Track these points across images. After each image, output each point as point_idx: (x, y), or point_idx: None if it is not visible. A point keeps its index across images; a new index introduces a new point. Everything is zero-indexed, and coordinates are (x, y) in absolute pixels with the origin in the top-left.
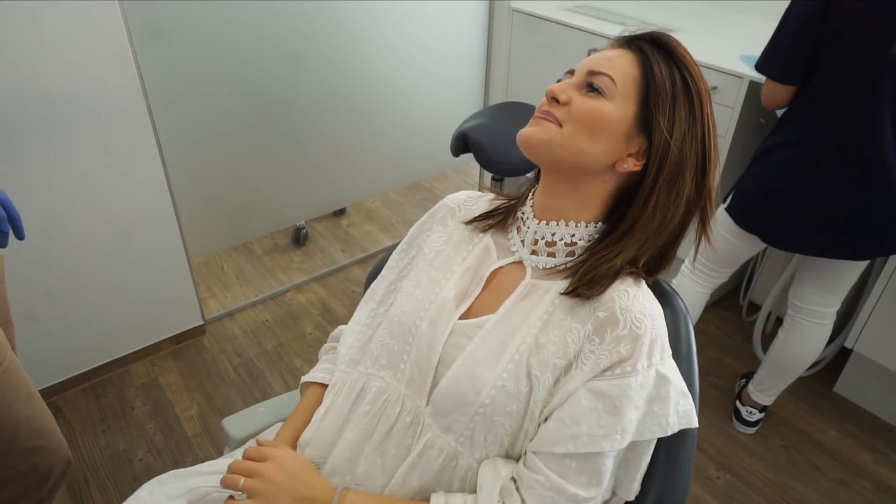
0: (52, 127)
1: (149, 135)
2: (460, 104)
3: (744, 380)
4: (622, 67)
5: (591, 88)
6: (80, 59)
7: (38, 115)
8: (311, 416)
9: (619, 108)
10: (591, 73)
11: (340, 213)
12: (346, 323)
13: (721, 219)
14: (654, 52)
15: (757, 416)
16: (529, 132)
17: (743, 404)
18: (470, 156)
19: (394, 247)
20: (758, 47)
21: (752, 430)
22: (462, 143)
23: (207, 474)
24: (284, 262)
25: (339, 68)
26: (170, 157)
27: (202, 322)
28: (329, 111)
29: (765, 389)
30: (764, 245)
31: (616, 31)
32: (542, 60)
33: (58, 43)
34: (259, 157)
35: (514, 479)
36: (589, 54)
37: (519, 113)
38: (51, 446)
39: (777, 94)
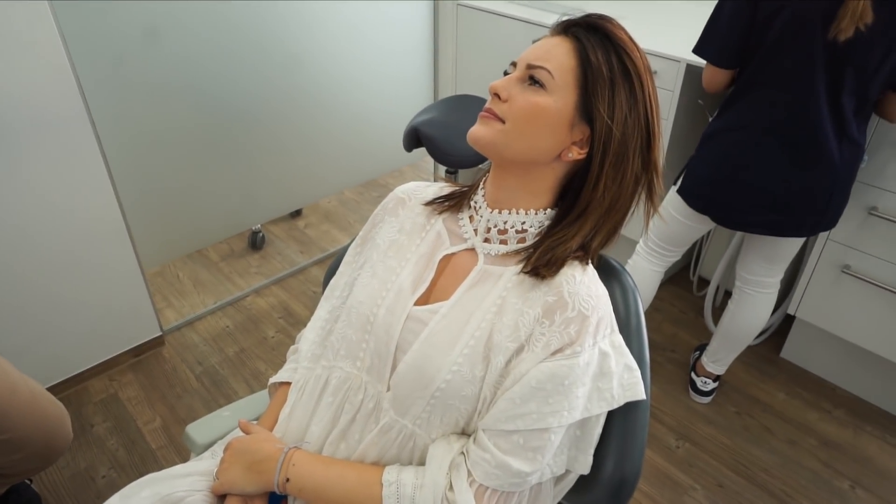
0: None
1: (91, 143)
2: (410, 99)
3: (697, 352)
4: (559, 58)
5: (532, 82)
6: (10, 64)
7: None
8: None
9: (558, 100)
10: (530, 66)
11: (296, 214)
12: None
13: (673, 200)
14: (590, 37)
15: (711, 385)
16: (476, 132)
17: (698, 375)
18: (424, 150)
19: None
20: (698, 31)
21: (707, 400)
22: (414, 138)
23: (180, 477)
24: (242, 266)
25: (287, 69)
26: (116, 166)
27: (160, 333)
28: (279, 112)
29: (718, 360)
30: (714, 224)
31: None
32: (488, 53)
33: None
34: (210, 161)
35: (464, 454)
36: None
37: (469, 105)
38: (52, 429)
39: (716, 78)
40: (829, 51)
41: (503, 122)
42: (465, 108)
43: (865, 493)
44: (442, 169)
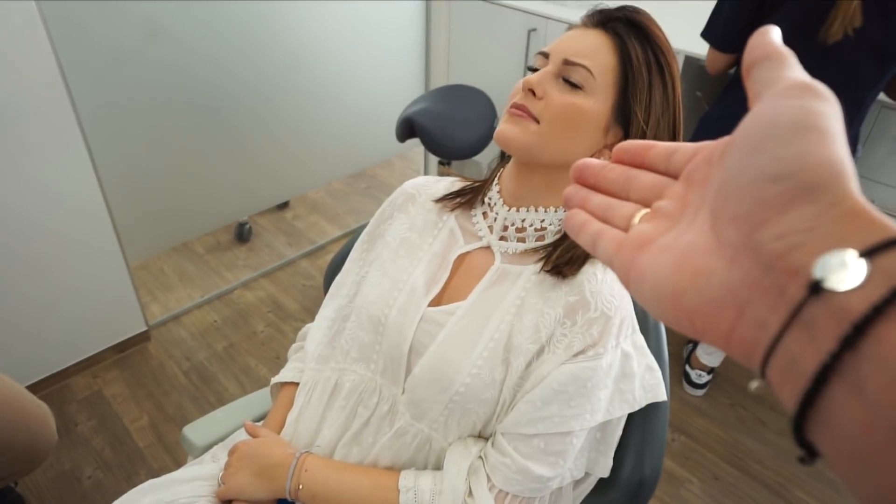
0: None
1: (75, 133)
2: (401, 90)
3: (691, 345)
4: (599, 55)
5: (569, 81)
6: None
7: None
8: (286, 418)
9: (597, 102)
10: (568, 62)
11: (284, 206)
12: (298, 318)
13: None
14: (631, 34)
15: (705, 378)
16: (508, 132)
17: (692, 368)
18: (413, 141)
19: (342, 237)
20: (697, 22)
21: (701, 392)
22: (408, 129)
23: (183, 483)
24: (229, 259)
25: (275, 58)
26: (100, 156)
27: (146, 328)
28: (267, 102)
29: (712, 352)
30: None
31: (555, 9)
32: (482, 42)
33: None
34: (196, 152)
35: (482, 458)
36: (528, 34)
37: (463, 95)
38: (35, 431)
39: (717, 61)
40: (821, 48)
41: (537, 122)
42: (460, 98)
43: None
44: (432, 160)
